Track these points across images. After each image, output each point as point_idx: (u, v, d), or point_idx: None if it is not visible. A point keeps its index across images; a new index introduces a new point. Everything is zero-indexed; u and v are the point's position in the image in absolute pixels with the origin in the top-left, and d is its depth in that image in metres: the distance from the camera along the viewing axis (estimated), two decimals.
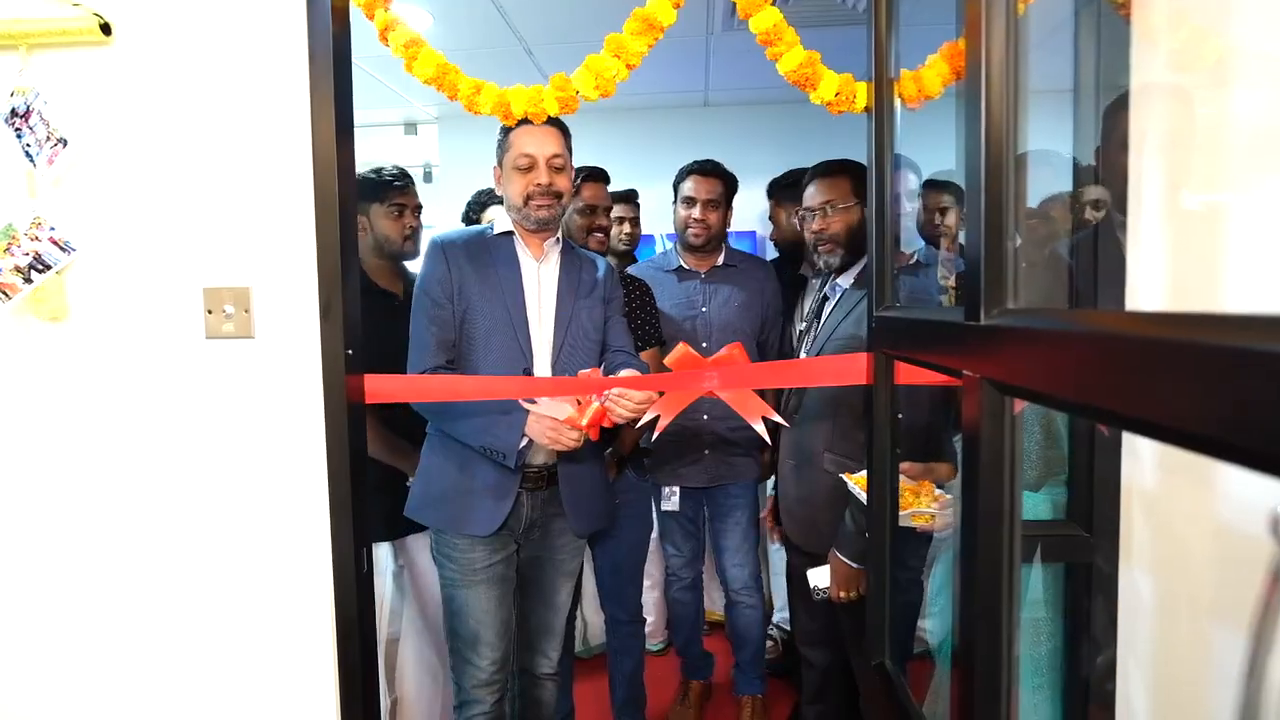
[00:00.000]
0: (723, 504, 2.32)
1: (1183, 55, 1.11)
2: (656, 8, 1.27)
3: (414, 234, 2.04)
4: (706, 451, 2.23)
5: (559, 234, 1.70)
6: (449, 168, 4.32)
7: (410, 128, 4.28)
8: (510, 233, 1.66)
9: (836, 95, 1.33)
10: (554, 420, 1.51)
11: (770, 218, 2.77)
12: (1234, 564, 0.99)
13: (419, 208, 2.05)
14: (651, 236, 3.62)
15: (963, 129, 0.88)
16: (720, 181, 2.29)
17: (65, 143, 1.28)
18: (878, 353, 1.35)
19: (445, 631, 1.70)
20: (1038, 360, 0.69)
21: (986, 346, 0.80)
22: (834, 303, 1.88)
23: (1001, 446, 0.80)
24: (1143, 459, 1.17)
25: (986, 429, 0.81)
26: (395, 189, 1.96)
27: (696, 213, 2.25)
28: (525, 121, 1.50)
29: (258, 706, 1.38)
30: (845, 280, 1.88)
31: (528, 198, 1.58)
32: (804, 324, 1.98)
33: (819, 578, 1.68)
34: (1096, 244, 1.24)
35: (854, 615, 1.59)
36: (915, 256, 2.05)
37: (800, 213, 1.93)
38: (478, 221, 2.33)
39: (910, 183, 2.28)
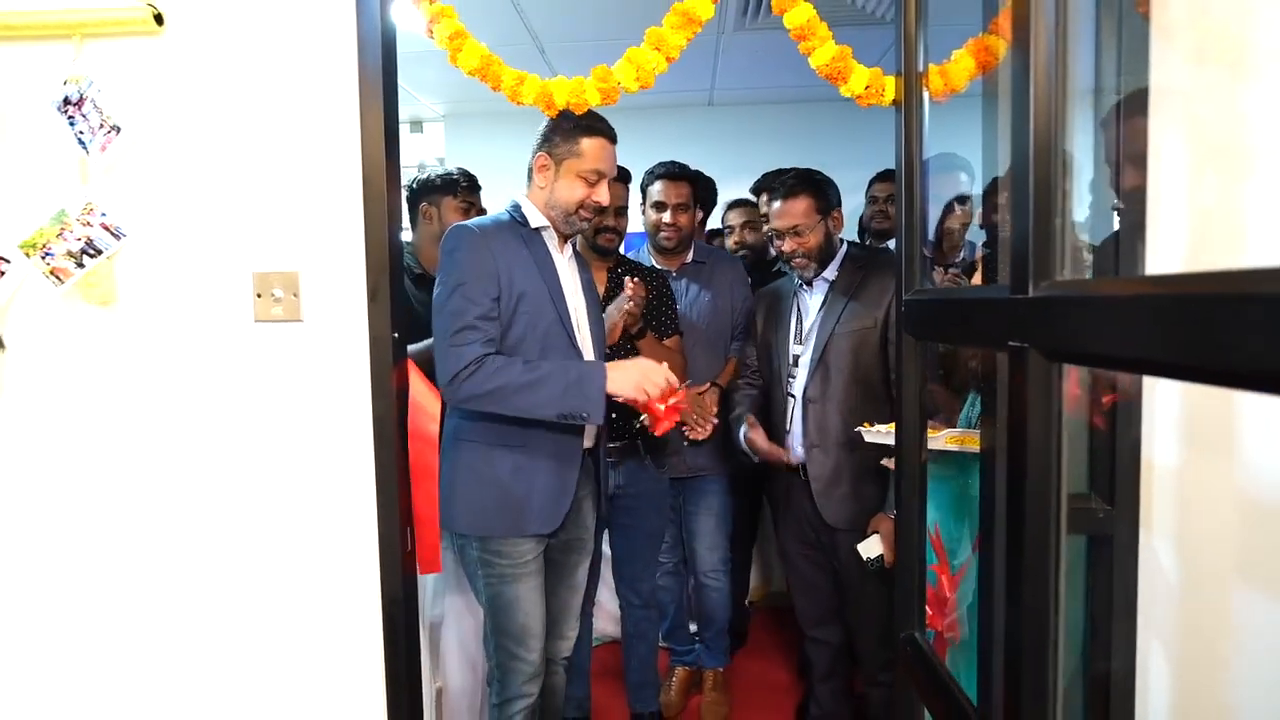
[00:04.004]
0: (697, 492, 2.42)
1: (1202, 51, 1.17)
2: (695, 3, 1.32)
3: None
4: (685, 443, 2.30)
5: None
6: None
7: (416, 125, 4.31)
8: (545, 228, 1.64)
9: (866, 89, 1.38)
10: (642, 369, 1.50)
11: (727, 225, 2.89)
12: (1259, 534, 1.04)
13: (483, 211, 2.20)
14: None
15: (1007, 108, 0.93)
16: (688, 184, 2.36)
17: (118, 130, 1.31)
18: (907, 336, 1.39)
19: (489, 630, 1.66)
20: (1093, 326, 0.74)
21: (1036, 318, 0.85)
22: (822, 300, 1.99)
23: (1049, 414, 0.85)
24: (1162, 431, 1.22)
25: (1035, 398, 0.86)
26: (465, 188, 2.15)
27: (667, 217, 2.33)
28: (603, 131, 1.55)
29: (304, 682, 1.41)
30: (830, 272, 1.98)
31: (580, 206, 1.60)
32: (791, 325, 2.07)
33: (870, 549, 1.75)
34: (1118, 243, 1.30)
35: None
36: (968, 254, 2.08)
37: (767, 231, 2.04)
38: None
39: (963, 184, 2.35)
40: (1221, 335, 0.50)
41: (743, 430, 2.11)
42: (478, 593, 1.66)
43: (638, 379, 1.50)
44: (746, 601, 3.04)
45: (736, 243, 2.78)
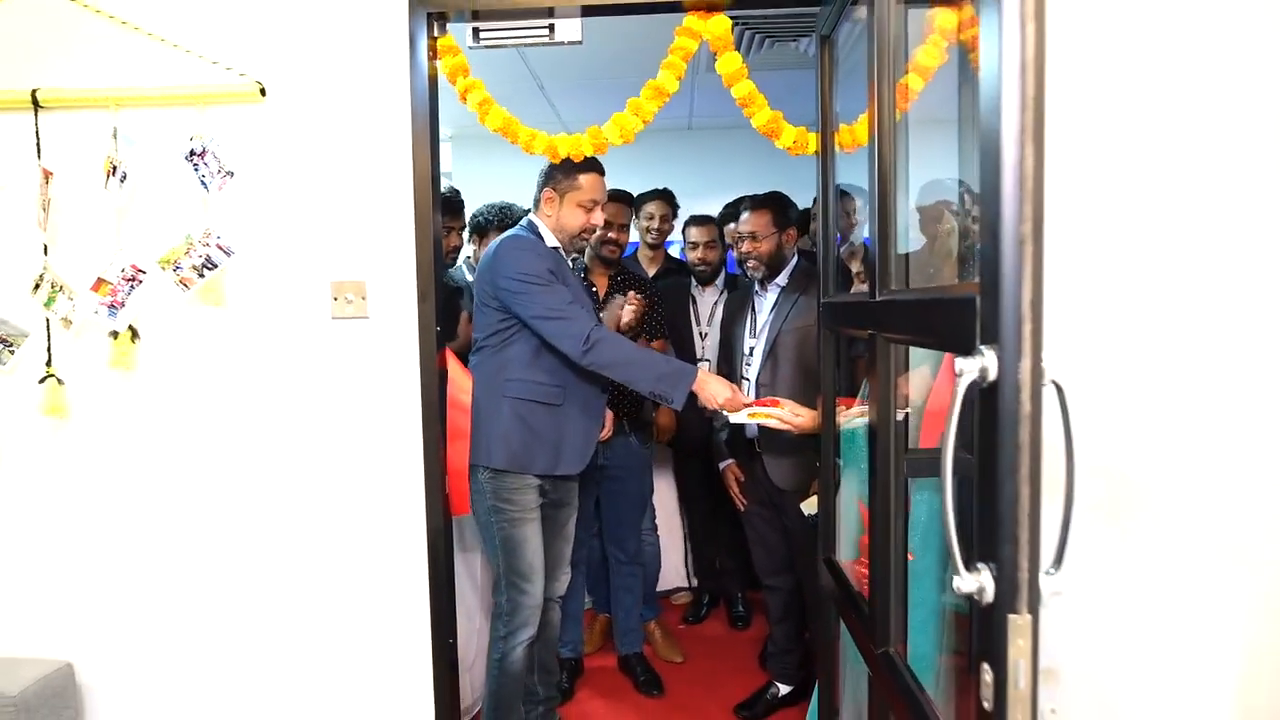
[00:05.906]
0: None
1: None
2: (665, 80, 1.77)
3: (456, 251, 2.49)
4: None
5: None
6: (463, 185, 4.76)
7: None
8: (557, 247, 2.03)
9: (794, 143, 1.83)
10: (732, 390, 1.94)
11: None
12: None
13: (465, 228, 2.53)
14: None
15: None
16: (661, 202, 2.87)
17: (231, 174, 1.74)
18: (825, 329, 1.84)
19: (501, 571, 1.99)
20: (900, 319, 1.19)
21: (879, 314, 1.30)
22: (773, 302, 2.43)
23: (889, 378, 1.30)
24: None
25: (881, 370, 1.31)
26: (448, 210, 2.42)
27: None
28: (594, 167, 1.96)
29: (372, 585, 1.85)
30: (782, 279, 2.42)
31: (582, 229, 2.01)
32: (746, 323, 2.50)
33: (811, 506, 2.14)
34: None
35: None
36: None
37: (733, 235, 2.47)
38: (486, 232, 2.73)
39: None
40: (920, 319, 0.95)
41: (725, 464, 2.59)
42: (489, 539, 2.05)
43: (728, 395, 1.93)
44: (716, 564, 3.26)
45: (700, 259, 2.89)
